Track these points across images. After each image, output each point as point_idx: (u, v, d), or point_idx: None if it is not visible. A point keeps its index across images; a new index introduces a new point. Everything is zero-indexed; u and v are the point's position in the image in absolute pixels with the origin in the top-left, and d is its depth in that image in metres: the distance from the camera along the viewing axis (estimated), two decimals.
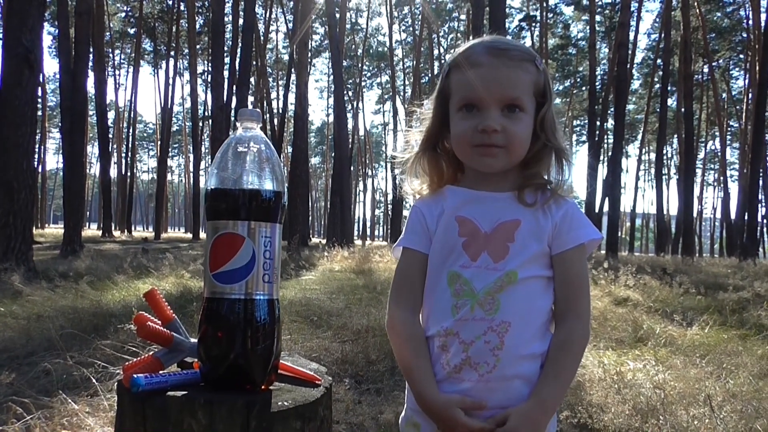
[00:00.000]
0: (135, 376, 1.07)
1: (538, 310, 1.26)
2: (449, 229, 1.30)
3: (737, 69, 46.41)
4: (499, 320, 1.22)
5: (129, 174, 44.62)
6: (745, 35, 40.32)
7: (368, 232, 79.50)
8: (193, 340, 1.26)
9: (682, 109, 32.14)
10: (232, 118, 22.32)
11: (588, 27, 35.98)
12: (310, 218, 52.17)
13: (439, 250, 1.31)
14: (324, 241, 29.14)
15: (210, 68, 28.53)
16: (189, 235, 41.45)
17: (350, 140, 39.18)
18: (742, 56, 42.97)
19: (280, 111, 36.60)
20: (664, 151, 41.47)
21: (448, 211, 1.32)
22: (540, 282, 1.27)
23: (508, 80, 1.24)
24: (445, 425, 1.23)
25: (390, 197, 59.02)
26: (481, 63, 1.25)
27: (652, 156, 53.56)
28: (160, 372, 1.18)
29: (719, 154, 48.86)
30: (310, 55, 37.33)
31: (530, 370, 1.23)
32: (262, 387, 1.16)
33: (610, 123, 29.65)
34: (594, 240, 1.29)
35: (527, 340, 1.23)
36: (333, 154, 33.76)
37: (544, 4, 42.86)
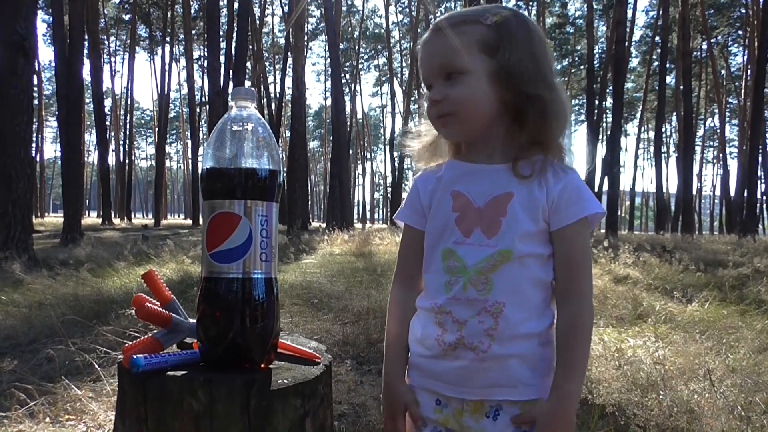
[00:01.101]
0: (135, 356, 1.07)
1: (534, 289, 1.22)
2: (443, 204, 1.29)
3: (736, 45, 46.28)
4: (493, 300, 1.20)
5: (127, 161, 44.55)
6: (743, 11, 40.13)
7: (368, 215, 79.57)
8: (192, 320, 1.26)
9: (681, 87, 32.00)
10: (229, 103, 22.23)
11: (585, 5, 35.68)
12: (310, 202, 52.20)
13: (434, 226, 1.30)
14: (324, 225, 29.15)
15: (206, 53, 28.35)
16: (189, 222, 41.55)
17: (348, 123, 39.09)
18: (740, 32, 42.81)
19: (278, 95, 36.43)
20: (663, 129, 41.40)
21: (443, 186, 1.30)
22: (537, 260, 1.22)
23: (441, 50, 1.22)
24: (389, 409, 1.33)
25: (389, 180, 58.96)
26: (425, 41, 1.26)
27: (651, 134, 53.51)
28: (160, 352, 1.19)
29: (718, 131, 48.81)
30: (306, 38, 37.07)
31: (527, 349, 1.21)
32: (262, 365, 1.16)
33: (609, 102, 29.57)
34: (597, 214, 1.23)
35: (523, 320, 1.21)
36: (331, 138, 33.69)
37: None
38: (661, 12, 32.58)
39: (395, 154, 48.01)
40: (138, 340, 1.27)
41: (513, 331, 1.20)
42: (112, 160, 47.11)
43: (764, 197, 38.16)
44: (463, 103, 1.21)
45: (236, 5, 23.89)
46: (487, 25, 1.21)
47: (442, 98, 1.22)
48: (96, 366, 3.29)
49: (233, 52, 22.02)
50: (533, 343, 1.22)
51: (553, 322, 1.26)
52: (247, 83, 34.04)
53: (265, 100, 37.01)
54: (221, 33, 24.74)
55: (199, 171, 1.19)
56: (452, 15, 1.25)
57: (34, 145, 11.82)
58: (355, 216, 54.21)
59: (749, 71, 38.33)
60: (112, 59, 54.54)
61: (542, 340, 1.23)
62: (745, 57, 41.14)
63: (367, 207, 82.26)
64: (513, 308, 1.20)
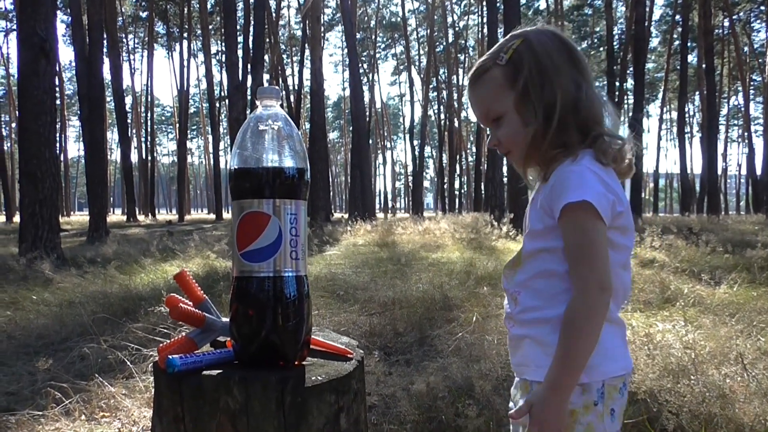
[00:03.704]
0: (170, 357, 1.09)
1: (547, 280, 1.30)
2: None
3: (758, 21, 45.15)
4: (512, 289, 1.37)
5: (150, 158, 44.86)
6: None
7: (390, 205, 79.48)
8: (225, 319, 1.27)
9: (703, 65, 31.51)
10: (249, 97, 22.29)
11: None
12: (331, 193, 52.23)
13: None
14: (346, 216, 29.20)
15: (224, 48, 28.47)
16: (212, 216, 41.80)
17: (367, 113, 39.00)
18: (763, 8, 41.86)
19: (296, 87, 36.44)
20: (686, 109, 40.77)
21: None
22: (548, 253, 1.29)
23: (477, 102, 1.38)
24: None
25: (410, 169, 58.82)
26: (467, 93, 1.41)
27: (674, 114, 52.93)
28: (195, 352, 1.20)
29: (742, 109, 47.95)
30: (323, 29, 36.98)
31: (540, 333, 1.29)
32: (295, 362, 1.17)
33: (630, 83, 29.15)
34: (570, 203, 1.20)
35: (535, 307, 1.31)
36: (351, 128, 33.69)
37: None
38: None
39: (415, 142, 47.88)
40: (172, 340, 1.28)
41: (525, 317, 1.33)
42: (134, 157, 47.45)
43: None
44: (510, 142, 1.35)
45: None
46: (502, 66, 1.32)
47: (497, 143, 1.37)
48: (128, 363, 3.34)
49: (251, 45, 22.04)
50: (545, 328, 1.28)
51: None
52: (266, 76, 34.11)
53: (283, 92, 37.06)
54: (238, 27, 24.77)
55: (227, 171, 1.20)
56: (475, 68, 1.37)
57: (57, 144, 11.95)
58: (377, 206, 54.23)
59: None
60: (131, 57, 54.88)
61: (555, 326, 1.25)
62: None
63: (389, 196, 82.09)
64: (525, 297, 1.34)
